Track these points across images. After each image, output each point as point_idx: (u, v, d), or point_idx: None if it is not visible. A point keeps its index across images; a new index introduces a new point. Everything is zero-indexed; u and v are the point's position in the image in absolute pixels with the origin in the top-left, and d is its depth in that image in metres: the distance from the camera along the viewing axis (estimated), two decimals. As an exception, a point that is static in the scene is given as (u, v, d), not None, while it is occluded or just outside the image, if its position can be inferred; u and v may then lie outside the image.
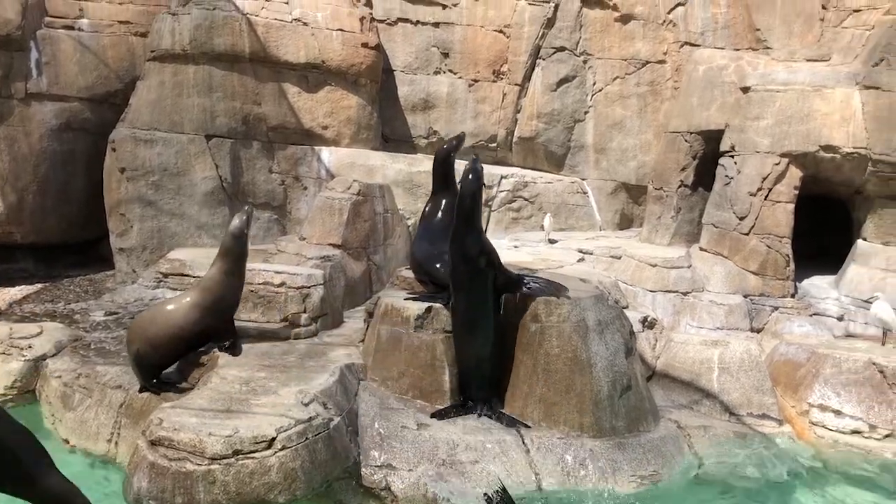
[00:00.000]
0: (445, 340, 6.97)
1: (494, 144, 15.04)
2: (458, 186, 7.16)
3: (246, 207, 7.59)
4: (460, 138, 8.89)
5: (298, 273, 8.42)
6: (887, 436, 7.75)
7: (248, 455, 5.23)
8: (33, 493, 4.17)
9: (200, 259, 10.90)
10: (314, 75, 13.37)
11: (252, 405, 5.83)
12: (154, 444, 5.34)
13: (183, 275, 10.67)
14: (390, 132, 14.83)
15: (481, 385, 6.86)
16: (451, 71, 14.85)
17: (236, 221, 7.36)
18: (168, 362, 7.09)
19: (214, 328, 7.16)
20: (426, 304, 7.07)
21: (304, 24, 13.21)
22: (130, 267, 12.09)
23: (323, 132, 13.52)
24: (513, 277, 7.01)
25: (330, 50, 13.31)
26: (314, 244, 10.06)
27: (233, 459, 5.18)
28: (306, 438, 5.53)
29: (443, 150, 8.68)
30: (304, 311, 8.09)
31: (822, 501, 6.66)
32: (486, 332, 6.77)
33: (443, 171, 8.54)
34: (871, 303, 10.14)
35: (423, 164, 13.88)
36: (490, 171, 14.35)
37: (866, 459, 7.45)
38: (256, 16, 12.91)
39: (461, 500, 5.93)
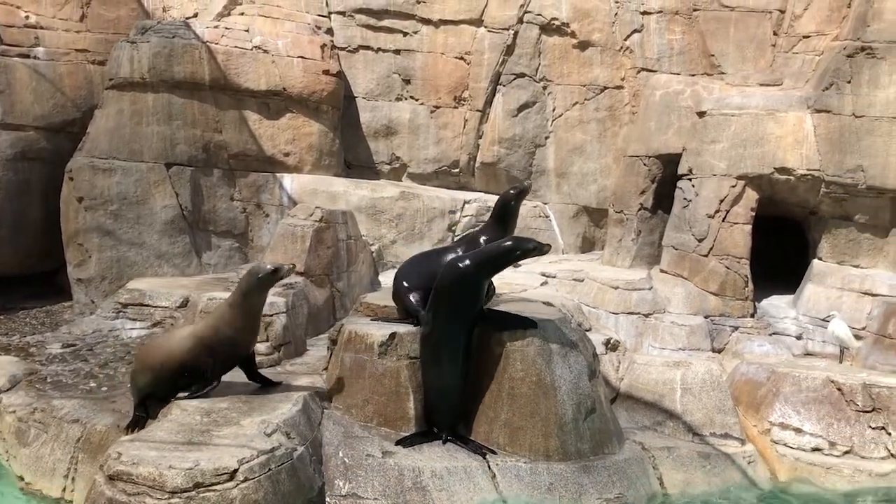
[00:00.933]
0: (410, 367, 6.94)
1: (457, 170, 15.12)
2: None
3: (286, 266, 6.76)
4: (525, 189, 8.43)
5: (261, 301, 8.32)
6: (846, 452, 7.87)
7: (210, 488, 5.13)
8: None
9: (161, 289, 10.76)
10: (275, 102, 13.35)
11: (213, 437, 5.73)
12: (112, 478, 5.22)
13: (143, 305, 10.50)
14: (353, 158, 14.85)
15: (448, 412, 6.83)
16: (412, 97, 14.94)
17: (264, 265, 6.88)
18: (159, 391, 6.61)
19: (205, 364, 6.50)
20: (390, 331, 7.04)
21: (265, 51, 13.21)
22: (89, 298, 11.87)
23: (285, 159, 13.48)
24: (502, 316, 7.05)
25: (291, 77, 13.31)
26: (281, 272, 9.95)
27: (194, 493, 5.08)
28: (269, 469, 5.44)
29: (508, 194, 8.17)
30: (267, 340, 8.01)
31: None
32: (458, 361, 6.74)
33: (500, 214, 8.07)
34: (828, 321, 10.35)
35: (386, 191, 13.92)
36: (453, 196, 14.45)
37: (826, 477, 7.54)
38: (216, 44, 12.88)
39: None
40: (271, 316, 8.14)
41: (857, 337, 10.58)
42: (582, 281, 12.40)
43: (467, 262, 6.76)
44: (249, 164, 13.25)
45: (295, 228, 10.30)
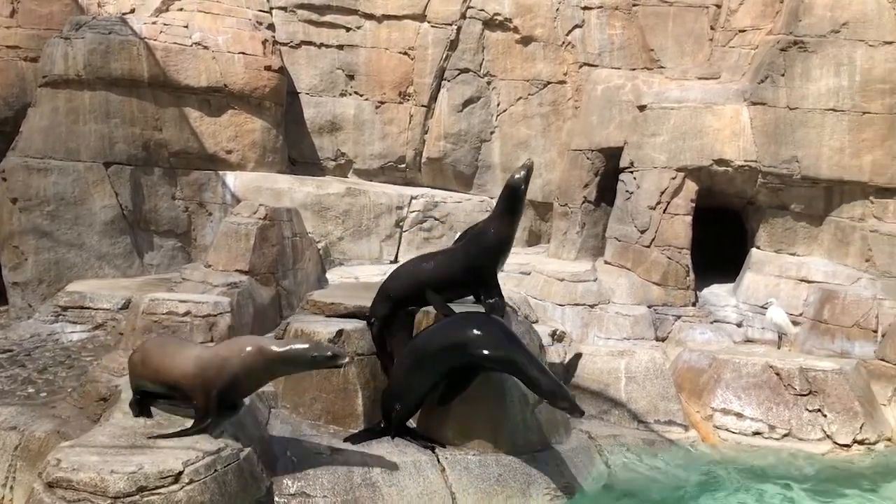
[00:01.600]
0: (358, 364, 6.93)
1: (403, 165, 15.11)
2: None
3: (346, 358, 5.87)
4: (531, 168, 7.41)
5: (204, 301, 8.22)
6: (785, 435, 8.13)
7: (154, 491, 5.04)
8: None
9: (102, 291, 10.52)
10: (217, 99, 13.15)
11: (158, 440, 5.64)
12: (51, 486, 5.08)
13: (83, 307, 10.24)
14: (297, 155, 14.71)
15: (406, 413, 6.82)
16: (357, 93, 14.86)
17: (323, 346, 6.12)
18: (154, 394, 6.16)
19: (198, 396, 5.82)
20: (336, 328, 7.02)
21: (205, 47, 13.00)
22: (26, 301, 11.53)
23: (227, 156, 13.29)
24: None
25: (232, 73, 13.12)
26: (220, 271, 9.85)
27: (137, 497, 4.98)
28: (215, 470, 5.37)
29: (516, 179, 7.24)
30: (211, 340, 7.89)
31: (730, 503, 6.89)
32: (439, 376, 6.72)
33: (510, 201, 7.25)
34: (766, 308, 10.64)
35: (332, 187, 13.83)
36: (400, 191, 14.43)
37: (766, 459, 7.77)
38: (155, 40, 12.62)
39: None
40: (215, 316, 8.03)
41: (795, 323, 10.92)
42: (529, 274, 12.52)
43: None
44: (191, 162, 13.02)
45: (239, 227, 10.17)
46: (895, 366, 9.39)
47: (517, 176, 7.21)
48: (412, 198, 14.33)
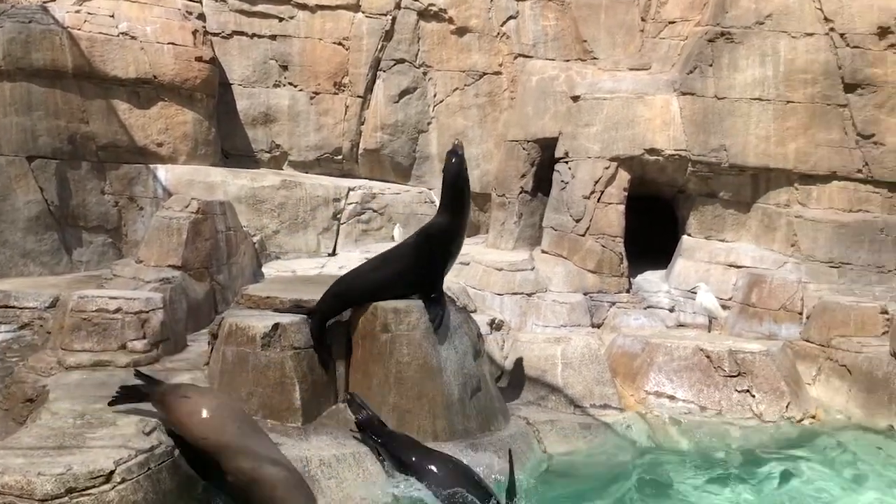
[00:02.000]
0: (294, 357, 6.85)
1: (340, 157, 15.00)
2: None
3: None
4: (461, 147, 7.28)
5: (135, 297, 8.02)
6: (716, 415, 8.36)
7: (84, 492, 4.91)
8: None
9: (27, 289, 10.19)
10: (146, 91, 12.84)
11: (87, 439, 5.49)
12: (-24, 491, 4.92)
13: (7, 307, 9.89)
14: (231, 147, 14.48)
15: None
16: (291, 84, 14.69)
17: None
18: None
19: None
20: (273, 322, 6.93)
21: (133, 37, 12.67)
22: (-55, 302, 11.08)
23: (158, 149, 13.00)
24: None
25: (162, 64, 12.83)
26: (152, 266, 9.63)
27: (66, 499, 4.84)
28: (148, 469, 5.26)
29: (452, 165, 7.05)
30: (144, 337, 7.72)
31: (663, 482, 7.07)
32: None
33: (453, 191, 7.04)
34: (696, 293, 10.93)
35: (267, 179, 13.65)
36: (337, 183, 14.34)
37: (699, 438, 8.00)
38: (79, 29, 12.24)
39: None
40: (147, 312, 7.84)
41: (724, 307, 11.25)
42: (468, 264, 12.59)
43: None
44: (120, 155, 12.71)
45: (170, 221, 9.95)
46: (819, 346, 9.75)
47: (453, 160, 7.06)
48: (349, 189, 14.25)
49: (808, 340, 10.01)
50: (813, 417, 8.60)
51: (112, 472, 5.03)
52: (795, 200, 12.03)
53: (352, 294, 7.14)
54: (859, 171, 11.66)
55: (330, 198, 13.94)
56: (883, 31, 11.43)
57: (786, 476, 7.21)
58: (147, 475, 5.23)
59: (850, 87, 11.60)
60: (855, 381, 8.93)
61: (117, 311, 7.73)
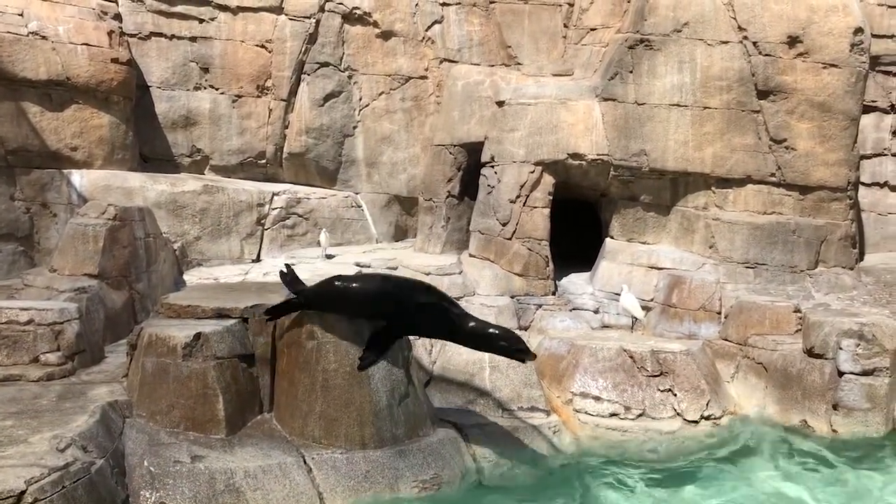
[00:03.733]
0: (217, 367, 6.69)
1: (264, 161, 14.75)
2: None
3: None
4: None
5: (49, 308, 7.70)
6: (640, 415, 8.53)
7: (-6, 515, 4.69)
8: None
9: (-70, 301, 9.62)
10: (58, 93, 12.37)
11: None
12: None
13: None
14: (150, 152, 14.07)
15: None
16: (212, 86, 14.37)
17: None
18: None
19: None
20: (194, 331, 6.75)
21: (44, 37, 12.18)
22: None
23: (72, 154, 12.53)
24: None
25: (75, 66, 12.37)
26: (67, 276, 9.27)
27: (-26, 523, 4.62)
28: (63, 487, 5.05)
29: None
30: (58, 349, 7.42)
31: (591, 483, 7.17)
32: None
33: None
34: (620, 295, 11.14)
35: (188, 185, 13.32)
36: (261, 188, 14.09)
37: (623, 439, 8.15)
38: (-15, 28, 11.70)
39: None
40: (62, 323, 7.54)
41: (646, 308, 11.52)
42: (396, 269, 12.53)
43: None
44: (31, 160, 12.20)
45: (86, 228, 9.60)
46: (737, 345, 10.08)
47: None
48: (274, 194, 14.02)
49: (726, 339, 10.33)
50: (733, 414, 8.87)
51: (23, 493, 4.82)
52: (713, 203, 12.41)
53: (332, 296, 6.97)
54: (772, 174, 12.11)
55: (254, 203, 13.69)
56: (792, 40, 11.91)
57: (707, 474, 7.43)
58: (62, 494, 5.02)
59: (762, 94, 12.04)
60: (770, 378, 9.25)
61: (29, 322, 7.40)
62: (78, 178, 12.42)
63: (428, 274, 12.01)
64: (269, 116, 14.63)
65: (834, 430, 8.46)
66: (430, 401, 7.77)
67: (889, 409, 8.54)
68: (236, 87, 14.43)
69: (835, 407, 8.54)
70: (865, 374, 8.50)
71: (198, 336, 6.70)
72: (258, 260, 13.55)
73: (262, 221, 13.79)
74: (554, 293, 12.32)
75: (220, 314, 7.20)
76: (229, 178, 14.47)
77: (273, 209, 13.92)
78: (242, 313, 7.18)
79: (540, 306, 12.01)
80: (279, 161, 14.83)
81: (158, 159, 14.17)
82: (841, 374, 8.58)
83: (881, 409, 8.46)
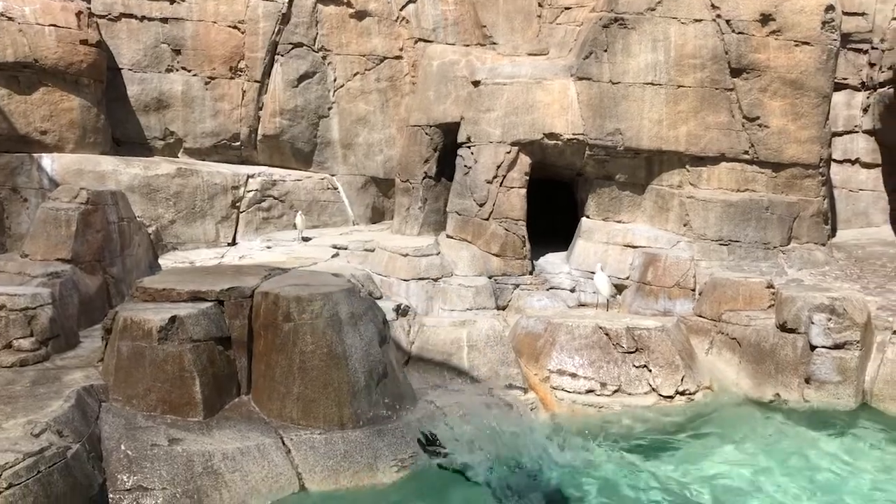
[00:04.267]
0: (194, 350, 6.68)
1: (238, 143, 14.62)
2: None
3: None
4: None
5: (21, 293, 7.61)
6: (616, 391, 8.64)
7: (-32, 501, 4.66)
8: None
9: None
10: (26, 76, 12.15)
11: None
12: None
13: None
14: (122, 135, 13.89)
15: None
16: (184, 68, 14.19)
17: None
18: None
19: None
20: (170, 314, 6.72)
21: (10, 18, 11.95)
22: None
23: (42, 137, 12.34)
24: None
25: (43, 48, 12.16)
26: (39, 260, 9.15)
27: (-52, 509, 4.59)
28: (38, 472, 5.03)
29: None
30: (31, 335, 7.34)
31: (569, 458, 7.25)
32: None
33: None
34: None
35: (161, 168, 13.18)
36: (235, 171, 13.98)
37: (601, 414, 8.25)
38: (-51, 9, 11.46)
39: (221, 511, 5.74)
40: (35, 308, 7.46)
41: (622, 286, 11.61)
42: (373, 251, 12.52)
43: None
44: (0, 144, 11.98)
45: (58, 212, 9.47)
46: (711, 320, 10.20)
47: None
48: (249, 177, 13.92)
49: (700, 315, 10.45)
50: (708, 388, 9.00)
51: (-2, 478, 4.79)
52: (687, 182, 12.48)
53: None
54: (746, 152, 12.20)
55: (228, 186, 13.59)
56: (765, 18, 11.96)
57: (681, 448, 7.53)
58: (37, 479, 5.01)
59: (736, 72, 12.09)
60: (744, 353, 9.38)
61: (1, 308, 7.31)
62: (49, 162, 12.25)
63: (405, 255, 12.00)
64: (243, 98, 14.48)
65: (806, 403, 8.61)
66: (409, 381, 7.80)
67: (859, 382, 8.71)
68: (209, 69, 14.26)
69: (807, 380, 8.69)
70: (837, 347, 8.65)
71: (173, 319, 6.67)
72: (234, 243, 13.48)
73: (238, 204, 13.69)
74: (531, 273, 12.37)
75: (196, 297, 7.17)
76: (203, 160, 14.34)
77: (248, 192, 13.82)
78: (218, 296, 7.16)
79: (517, 286, 12.06)
80: (253, 143, 14.70)
81: (131, 143, 14.00)
82: (813, 347, 8.72)
83: (852, 381, 8.62)
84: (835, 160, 13.79)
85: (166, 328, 6.62)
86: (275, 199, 14.07)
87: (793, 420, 8.33)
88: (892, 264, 11.93)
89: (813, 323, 8.73)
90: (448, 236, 12.99)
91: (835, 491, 6.71)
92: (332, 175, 15.02)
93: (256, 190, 13.88)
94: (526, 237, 12.37)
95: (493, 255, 12.32)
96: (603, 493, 6.59)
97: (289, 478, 6.23)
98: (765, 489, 6.70)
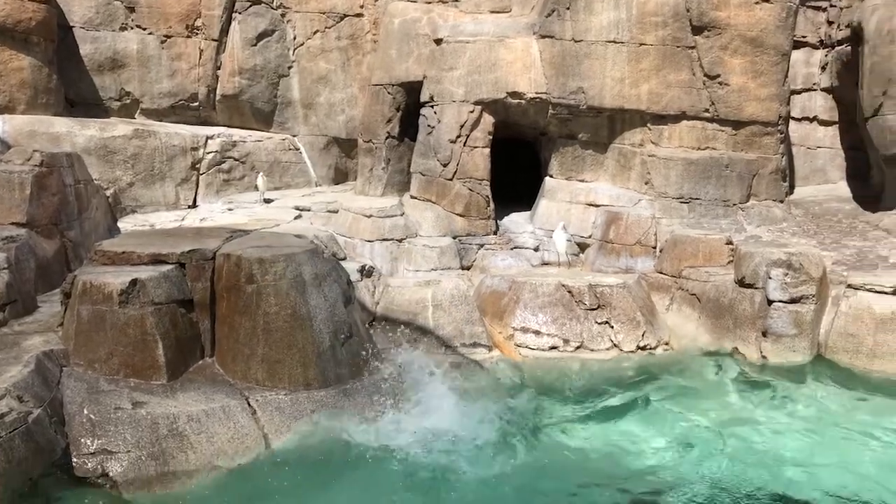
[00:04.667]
0: (156, 313, 6.61)
1: (196, 104, 14.35)
2: None
3: None
4: None
5: (-25, 258, 7.45)
6: (578, 347, 8.78)
7: (-73, 468, 4.61)
8: None
9: None
10: (-27, 34, 11.75)
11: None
12: None
13: None
14: (76, 96, 13.54)
15: None
16: (139, 26, 13.82)
17: None
18: None
19: None
20: (130, 277, 6.63)
21: (-47, -26, 11.50)
22: None
23: (-8, 98, 11.99)
24: None
25: (-11, 4, 11.74)
26: (-7, 225, 8.93)
27: None
28: (-1, 438, 4.99)
29: None
30: (-13, 300, 7.20)
31: (531, 416, 7.36)
32: None
33: None
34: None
35: (118, 129, 12.90)
36: (195, 132, 13.75)
37: (563, 369, 8.38)
38: None
39: (186, 473, 5.75)
40: (-10, 274, 7.30)
41: (585, 244, 11.72)
42: (336, 212, 12.46)
43: None
44: (-52, 105, 11.64)
45: (11, 175, 9.22)
46: (671, 277, 10.37)
47: None
48: (208, 138, 13.70)
49: (661, 272, 10.61)
50: (667, 344, 9.18)
51: (-43, 444, 4.74)
52: (649, 140, 12.56)
53: None
54: (706, 110, 12.30)
55: (187, 147, 13.36)
56: (725, -24, 11.98)
57: (641, 401, 7.70)
58: (-3, 444, 4.95)
59: (697, 30, 12.12)
60: (704, 309, 9.57)
61: (-46, 274, 7.15)
62: (0, 123, 11.92)
63: (369, 216, 11.97)
64: (201, 57, 14.18)
65: (763, 357, 8.84)
66: (374, 340, 7.83)
67: (814, 335, 8.95)
68: (165, 27, 13.91)
69: (764, 334, 8.90)
70: (793, 301, 8.86)
71: (134, 282, 6.58)
72: (194, 205, 13.31)
73: (197, 166, 13.48)
74: (495, 232, 12.42)
75: (157, 260, 7.08)
76: (161, 122, 14.06)
77: (208, 153, 13.61)
78: (179, 259, 7.08)
79: (482, 246, 12.11)
80: (212, 103, 14.44)
81: (86, 104, 13.66)
82: (770, 302, 8.92)
83: (807, 334, 8.85)
84: (793, 118, 13.97)
85: (127, 291, 6.53)
86: (235, 160, 13.88)
87: (750, 372, 8.54)
88: (848, 220, 12.20)
89: (770, 278, 8.91)
90: (412, 197, 12.95)
91: (787, 436, 6.92)
92: (294, 136, 14.84)
93: (216, 151, 13.67)
94: (490, 197, 12.39)
95: (458, 215, 12.32)
96: (559, 446, 6.72)
97: (255, 438, 6.25)
98: (719, 439, 6.89)
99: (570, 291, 8.98)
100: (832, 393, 8.04)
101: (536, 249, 12.12)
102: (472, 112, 12.43)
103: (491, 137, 12.53)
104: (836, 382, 8.30)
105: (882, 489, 5.94)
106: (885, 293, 8.69)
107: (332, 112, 14.93)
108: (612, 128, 12.69)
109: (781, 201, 12.54)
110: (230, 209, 12.72)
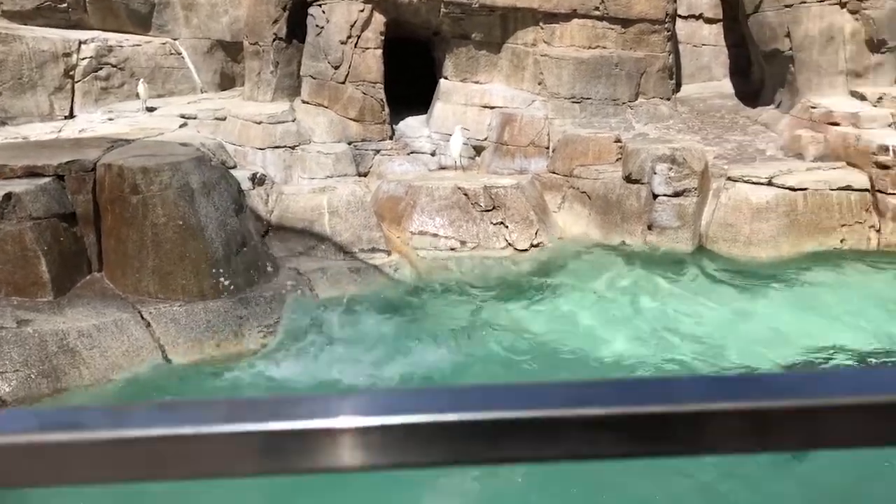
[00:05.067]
0: (35, 228, 6.32)
1: (65, 4, 13.34)
2: None
3: None
4: None
5: None
6: (475, 248, 8.96)
7: None
8: None
9: None
10: None
11: None
12: None
13: None
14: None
15: None
16: (-8, -82, 12.60)
17: None
18: None
19: None
20: (4, 191, 6.28)
21: None
22: None
23: None
24: None
25: None
26: None
27: None
28: None
29: None
30: None
31: (433, 315, 7.54)
32: None
33: None
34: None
35: (-22, 34, 11.90)
36: (66, 36, 12.85)
37: (459, 268, 8.58)
38: None
39: (81, 388, 5.66)
40: None
41: (481, 147, 11.79)
42: (224, 119, 12.03)
43: None
44: None
45: None
46: (563, 176, 10.61)
47: None
48: (81, 43, 12.81)
49: (553, 172, 10.83)
50: (559, 240, 9.48)
51: None
52: (541, 39, 12.55)
53: None
54: (596, 8, 12.33)
55: (59, 53, 12.47)
56: None
57: (533, 291, 8.03)
58: None
59: (587, -74, 12.03)
60: (593, 206, 9.88)
61: None
62: None
63: (259, 123, 11.61)
64: (66, -47, 13.11)
65: (648, 248, 9.27)
66: (270, 249, 7.77)
67: (696, 227, 9.41)
68: (21, -81, 12.73)
69: (649, 227, 9.30)
70: (676, 195, 9.25)
71: (8, 196, 6.26)
72: (71, 116, 12.55)
73: (72, 73, 12.65)
74: (391, 137, 12.28)
75: (32, 173, 6.73)
76: (26, 24, 13.02)
77: (82, 59, 12.76)
78: (56, 170, 6.75)
79: (378, 151, 11.98)
80: (83, 5, 13.45)
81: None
82: (655, 196, 9.29)
83: (689, 226, 9.30)
84: (680, 16, 14.20)
85: (1, 206, 6.21)
86: (113, 66, 13.09)
87: (636, 263, 8.96)
88: (730, 116, 12.69)
89: (655, 173, 9.25)
90: (304, 101, 12.60)
91: (673, 318, 7.39)
92: (175, 39, 14.07)
93: (91, 57, 12.83)
94: (385, 101, 12.19)
95: (352, 120, 12.10)
96: (459, 334, 6.99)
97: (150, 350, 6.18)
98: (610, 322, 7.29)
99: (465, 194, 9.08)
100: (711, 278, 8.58)
101: (433, 154, 12.10)
102: (361, 11, 12.06)
103: (383, 38, 12.23)
104: (715, 269, 8.82)
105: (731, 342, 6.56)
106: (762, 184, 9.19)
107: (215, 13, 14.19)
108: (506, 27, 12.58)
109: (668, 99, 12.88)
110: (111, 119, 12.07)
